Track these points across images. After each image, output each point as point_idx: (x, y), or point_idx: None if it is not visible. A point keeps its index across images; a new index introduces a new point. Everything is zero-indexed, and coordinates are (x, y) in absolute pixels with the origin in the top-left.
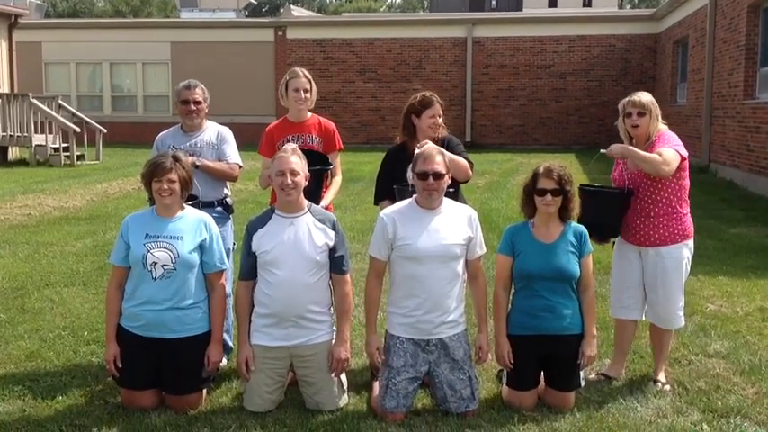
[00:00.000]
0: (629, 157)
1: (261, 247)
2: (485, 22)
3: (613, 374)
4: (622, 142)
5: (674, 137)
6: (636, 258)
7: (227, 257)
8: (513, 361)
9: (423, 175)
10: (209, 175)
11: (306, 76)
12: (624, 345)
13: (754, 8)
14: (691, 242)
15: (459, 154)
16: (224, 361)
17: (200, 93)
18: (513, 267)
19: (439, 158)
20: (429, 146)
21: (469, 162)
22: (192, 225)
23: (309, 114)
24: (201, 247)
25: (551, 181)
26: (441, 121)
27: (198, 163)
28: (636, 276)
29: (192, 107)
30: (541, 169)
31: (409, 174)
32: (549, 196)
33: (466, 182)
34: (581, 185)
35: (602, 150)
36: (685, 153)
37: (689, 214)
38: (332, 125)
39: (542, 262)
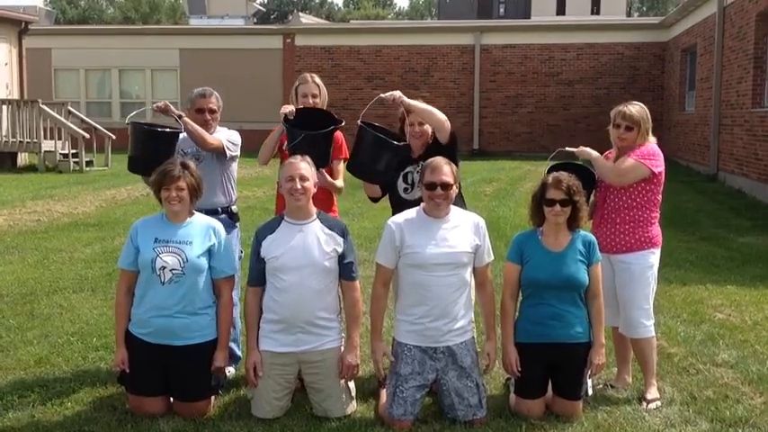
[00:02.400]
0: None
1: (270, 253)
2: (493, 30)
3: (620, 384)
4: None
5: (650, 151)
6: (607, 266)
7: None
8: (520, 369)
9: (431, 186)
10: (210, 176)
11: (314, 81)
12: (621, 353)
13: (762, 17)
14: (657, 251)
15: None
16: (231, 370)
17: (215, 101)
18: (522, 275)
19: (446, 169)
20: (438, 157)
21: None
22: (201, 230)
23: None
24: (210, 253)
25: (560, 192)
26: (426, 127)
27: (182, 114)
28: (605, 285)
29: (207, 116)
30: (550, 179)
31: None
32: (557, 207)
33: (453, 141)
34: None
35: (568, 149)
36: (659, 169)
37: (657, 224)
38: (339, 133)
39: (551, 270)
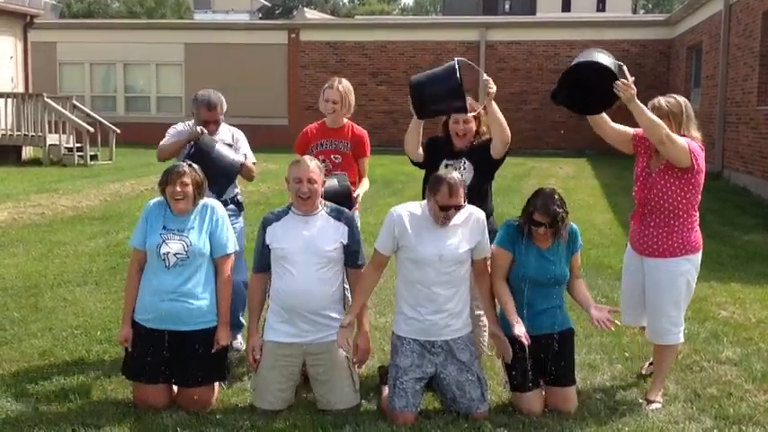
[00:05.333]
0: (633, 109)
1: (275, 242)
2: (498, 26)
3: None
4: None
5: (694, 145)
6: (637, 266)
7: (239, 255)
8: (509, 363)
9: (446, 208)
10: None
11: (339, 89)
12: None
13: None
14: (695, 257)
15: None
16: (239, 342)
17: (219, 110)
18: (510, 270)
19: (462, 190)
20: (456, 175)
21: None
22: (198, 213)
23: (345, 120)
24: (211, 233)
25: (546, 216)
26: (471, 126)
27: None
28: (635, 283)
29: (212, 128)
30: (539, 203)
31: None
32: (542, 229)
33: (502, 158)
34: None
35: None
36: (700, 165)
37: (696, 229)
38: (364, 133)
39: (538, 268)
